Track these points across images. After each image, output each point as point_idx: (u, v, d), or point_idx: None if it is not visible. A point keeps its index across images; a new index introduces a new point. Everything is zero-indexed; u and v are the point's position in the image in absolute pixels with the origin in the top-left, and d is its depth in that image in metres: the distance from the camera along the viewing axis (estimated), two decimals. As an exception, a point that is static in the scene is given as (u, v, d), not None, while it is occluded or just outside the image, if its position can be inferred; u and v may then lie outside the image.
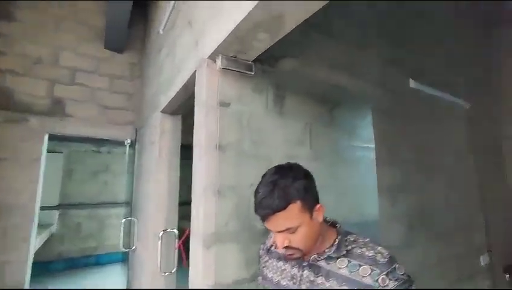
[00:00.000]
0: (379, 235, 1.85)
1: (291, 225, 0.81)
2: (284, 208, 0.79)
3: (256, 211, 0.84)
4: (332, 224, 0.96)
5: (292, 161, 0.94)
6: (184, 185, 2.18)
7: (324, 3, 0.93)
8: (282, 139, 1.56)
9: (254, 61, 1.42)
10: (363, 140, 1.91)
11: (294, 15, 0.99)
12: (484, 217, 2.91)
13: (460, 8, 3.21)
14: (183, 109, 2.18)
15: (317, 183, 0.90)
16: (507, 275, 2.97)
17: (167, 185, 2.18)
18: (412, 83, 2.25)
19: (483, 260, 2.80)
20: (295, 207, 0.81)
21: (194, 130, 1.43)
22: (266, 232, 1.26)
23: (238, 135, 1.39)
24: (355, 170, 1.85)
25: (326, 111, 1.81)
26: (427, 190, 2.29)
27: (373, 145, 1.90)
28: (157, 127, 2.30)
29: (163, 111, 2.27)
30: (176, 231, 2.07)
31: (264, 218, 0.82)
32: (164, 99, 2.18)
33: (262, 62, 1.51)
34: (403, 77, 2.28)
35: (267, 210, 0.80)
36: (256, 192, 0.85)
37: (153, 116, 2.51)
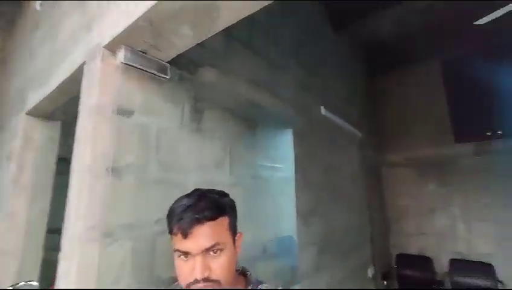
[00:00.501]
0: (296, 262, 1.78)
1: (219, 240, 0.69)
2: (216, 217, 0.70)
3: (176, 222, 0.69)
4: (242, 272, 0.84)
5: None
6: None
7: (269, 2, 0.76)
8: (198, 162, 1.29)
9: (170, 62, 1.13)
10: (284, 163, 1.84)
11: (233, 9, 0.79)
12: (370, 233, 3.32)
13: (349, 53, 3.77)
14: (63, 113, 1.64)
15: (238, 211, 0.82)
16: (385, 282, 3.43)
17: (25, 223, 1.52)
18: (323, 110, 2.38)
19: (370, 272, 3.16)
20: (225, 222, 0.73)
21: (74, 146, 1.00)
22: (172, 282, 0.95)
23: (141, 155, 1.05)
24: (276, 195, 1.75)
25: (248, 131, 1.66)
26: (333, 212, 2.42)
27: (293, 169, 1.85)
28: (18, 136, 1.65)
29: (30, 113, 1.65)
30: (35, 283, 1.45)
31: (187, 229, 0.67)
32: (33, 98, 1.58)
33: (180, 66, 1.23)
34: (315, 103, 2.40)
35: (197, 215, 0.67)
36: (178, 203, 0.73)
37: (13, 120, 1.81)
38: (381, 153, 4.06)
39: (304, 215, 1.93)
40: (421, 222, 3.63)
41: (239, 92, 1.56)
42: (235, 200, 0.82)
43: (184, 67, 1.26)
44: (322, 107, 2.39)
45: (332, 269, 2.22)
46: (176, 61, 1.16)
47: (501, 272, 3.04)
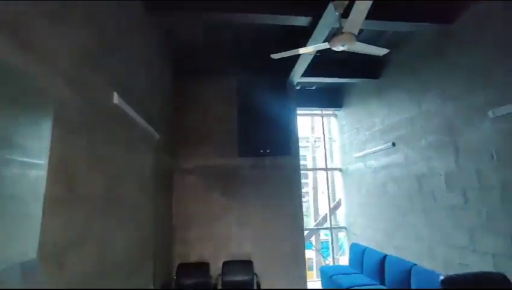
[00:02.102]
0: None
1: None
2: None
3: None
4: None
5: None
6: None
7: None
8: None
9: None
10: (31, 157, 1.07)
11: None
12: (155, 246, 2.96)
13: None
14: None
15: None
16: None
17: None
18: (116, 98, 1.79)
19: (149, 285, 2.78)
20: None
21: None
22: None
23: None
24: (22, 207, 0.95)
25: None
26: (112, 233, 1.82)
27: (44, 172, 1.12)
28: None
29: None
30: None
31: None
32: None
33: None
34: (105, 87, 1.75)
35: None
36: None
37: None
38: (176, 159, 3.90)
39: (55, 250, 1.24)
40: (204, 229, 3.76)
41: None
42: None
43: None
44: (115, 94, 1.79)
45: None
46: None
47: (257, 267, 3.69)
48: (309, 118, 7.99)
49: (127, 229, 2.14)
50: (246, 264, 3.66)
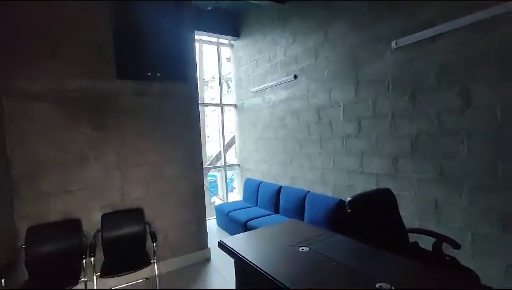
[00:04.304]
0: None
1: None
2: None
3: None
4: None
5: None
6: None
7: None
8: None
9: None
10: None
11: None
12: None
13: None
14: None
15: None
16: (2, 280, 2.17)
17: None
18: None
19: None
20: None
21: None
22: None
23: None
24: None
25: None
26: None
27: None
28: None
29: None
30: None
31: None
32: None
33: None
34: None
35: None
36: None
37: None
38: (3, 76, 2.47)
39: None
40: (67, 177, 2.70)
41: None
42: None
43: None
44: None
45: None
46: None
47: (150, 214, 3.06)
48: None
49: None
50: (134, 214, 2.97)
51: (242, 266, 1.89)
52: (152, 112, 3.12)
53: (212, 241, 3.76)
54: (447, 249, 2.07)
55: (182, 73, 3.31)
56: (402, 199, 2.30)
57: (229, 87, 8.36)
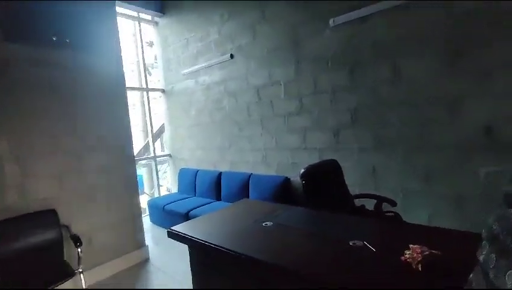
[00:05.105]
0: None
1: None
2: None
3: None
4: None
5: None
6: None
7: None
8: None
9: None
10: None
11: None
12: None
13: None
14: None
15: None
16: None
17: None
18: None
19: None
20: None
21: None
22: None
23: None
24: None
25: None
26: None
27: None
28: None
29: None
30: None
31: None
32: None
33: None
34: None
35: None
36: None
37: None
38: None
39: None
40: None
41: None
42: None
43: None
44: None
45: None
46: None
47: (67, 215, 2.45)
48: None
49: None
50: (43, 217, 2.32)
51: (201, 252, 1.65)
52: (65, 89, 2.48)
53: (149, 240, 3.31)
54: (385, 207, 2.27)
55: (100, 42, 2.74)
56: (344, 169, 2.43)
57: (149, 74, 7.59)
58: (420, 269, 1.08)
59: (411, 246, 1.19)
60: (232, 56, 3.66)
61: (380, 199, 2.35)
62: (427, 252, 1.12)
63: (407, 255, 1.16)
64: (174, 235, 1.76)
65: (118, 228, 2.77)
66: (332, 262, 1.24)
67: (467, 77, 2.08)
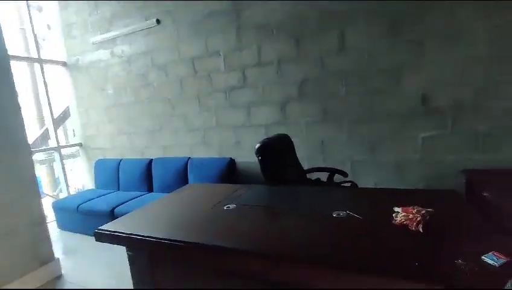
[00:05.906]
0: None
1: None
2: None
3: None
4: None
5: None
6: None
7: None
8: None
9: None
10: None
11: None
12: None
13: None
14: None
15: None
16: None
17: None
18: None
19: None
20: None
21: None
22: None
23: None
24: None
25: None
26: None
27: None
28: None
29: None
30: None
31: None
32: None
33: None
34: None
35: None
36: None
37: None
38: None
39: None
40: None
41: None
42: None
43: None
44: None
45: None
46: None
47: None
48: None
49: None
50: None
51: (148, 253, 1.25)
52: None
53: (58, 252, 2.59)
54: (336, 179, 2.26)
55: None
56: (294, 144, 2.32)
57: (41, 48, 6.13)
58: (421, 229, 0.98)
59: (400, 208, 1.10)
60: (158, 21, 3.09)
61: (333, 171, 2.32)
62: (423, 211, 1.05)
63: (399, 218, 1.06)
64: (104, 237, 1.30)
65: (12, 241, 2.01)
66: (326, 238, 1.05)
67: (404, 47, 2.17)
